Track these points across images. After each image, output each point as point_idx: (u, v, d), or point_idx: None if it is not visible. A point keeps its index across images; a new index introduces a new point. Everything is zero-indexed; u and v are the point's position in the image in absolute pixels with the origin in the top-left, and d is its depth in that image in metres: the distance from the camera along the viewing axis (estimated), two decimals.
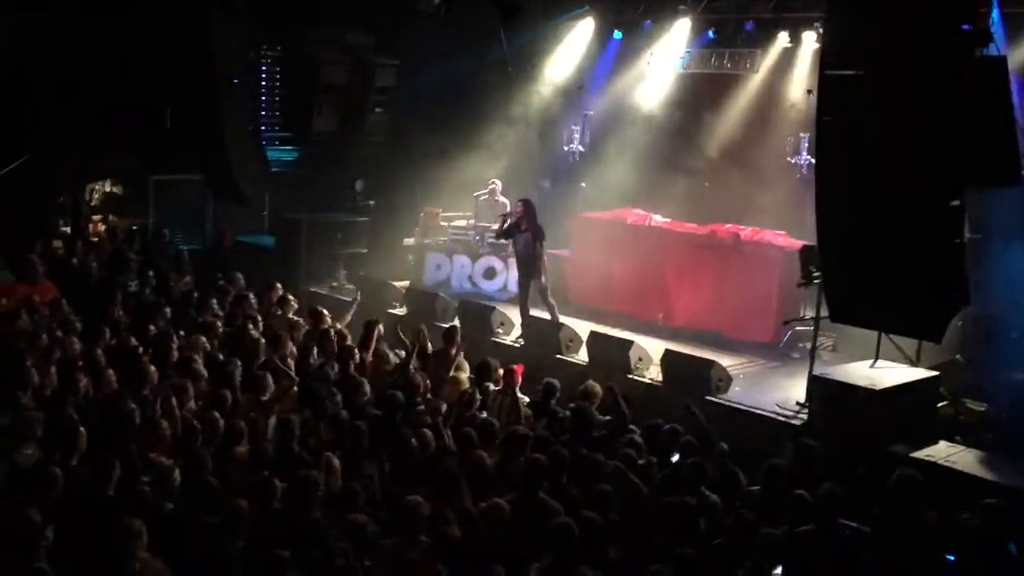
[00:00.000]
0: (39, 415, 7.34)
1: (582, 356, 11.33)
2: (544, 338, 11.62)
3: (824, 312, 9.47)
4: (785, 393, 10.00)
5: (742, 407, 9.73)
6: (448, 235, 14.96)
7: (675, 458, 7.62)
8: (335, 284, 14.68)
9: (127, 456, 6.65)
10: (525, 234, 12.12)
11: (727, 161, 13.97)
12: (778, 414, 9.55)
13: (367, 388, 8.81)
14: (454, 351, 10.06)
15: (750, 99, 13.89)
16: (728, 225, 12.57)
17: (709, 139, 14.22)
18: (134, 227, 15.77)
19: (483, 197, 14.77)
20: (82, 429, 6.99)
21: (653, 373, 10.66)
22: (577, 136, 15.37)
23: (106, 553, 5.52)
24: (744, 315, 12.01)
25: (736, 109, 14.01)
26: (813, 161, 12.09)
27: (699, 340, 11.94)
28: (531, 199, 12.54)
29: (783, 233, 12.14)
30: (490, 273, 14.52)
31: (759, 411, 9.65)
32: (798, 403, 9.61)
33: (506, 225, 12.37)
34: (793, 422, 9.35)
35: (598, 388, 8.89)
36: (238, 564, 5.46)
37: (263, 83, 16.65)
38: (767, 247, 12.02)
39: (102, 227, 16.07)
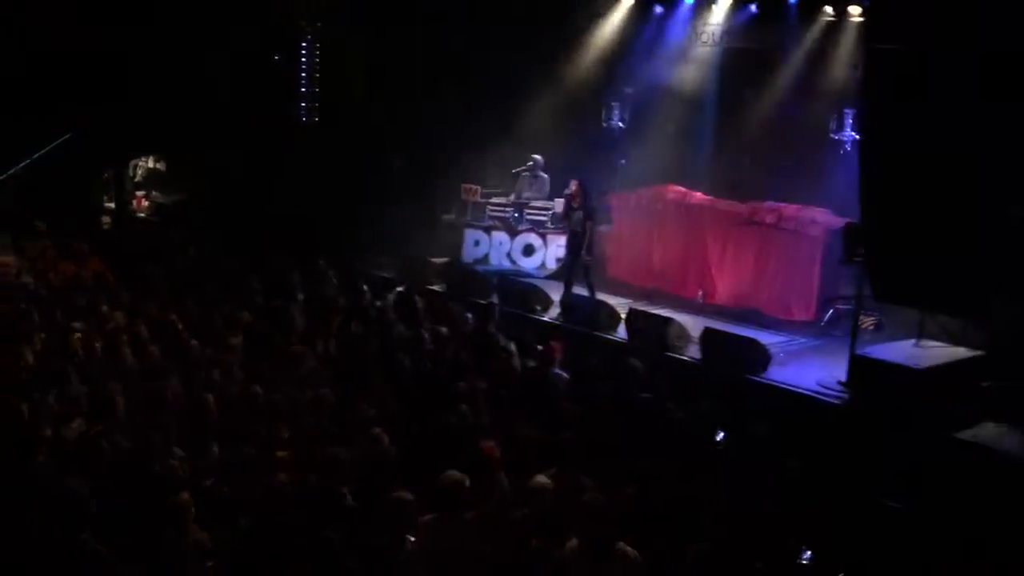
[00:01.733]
0: (84, 388, 7.46)
1: (621, 333, 11.30)
2: (583, 315, 11.60)
3: (867, 290, 9.35)
4: (826, 372, 9.89)
5: (783, 386, 9.65)
6: (487, 212, 14.96)
7: (720, 436, 7.59)
8: (375, 261, 14.73)
9: (168, 429, 6.75)
10: (578, 212, 12.17)
11: (768, 137, 13.78)
12: (819, 393, 9.46)
13: (407, 364, 8.85)
14: (492, 328, 10.08)
15: (793, 74, 13.66)
16: (769, 202, 12.44)
17: (750, 115, 14.02)
18: (176, 202, 15.95)
19: (523, 173, 14.73)
20: (124, 402, 7.11)
21: (692, 351, 10.61)
22: (617, 112, 15.26)
23: (153, 526, 5.60)
24: (785, 293, 11.89)
25: (778, 85, 13.79)
26: (857, 137, 11.97)
27: (739, 318, 11.86)
28: (585, 179, 12.52)
29: (826, 210, 11.98)
30: (529, 250, 14.51)
31: (800, 390, 9.57)
32: (840, 382, 9.50)
33: (565, 206, 12.46)
34: (835, 401, 9.26)
35: (638, 365, 8.86)
36: (279, 540, 5.50)
37: (303, 59, 16.68)
38: (809, 224, 11.87)
39: (145, 203, 16.28)
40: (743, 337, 10.33)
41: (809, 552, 5.97)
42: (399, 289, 11.85)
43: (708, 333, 10.51)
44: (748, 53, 14.19)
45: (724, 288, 12.54)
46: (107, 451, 6.44)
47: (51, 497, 5.88)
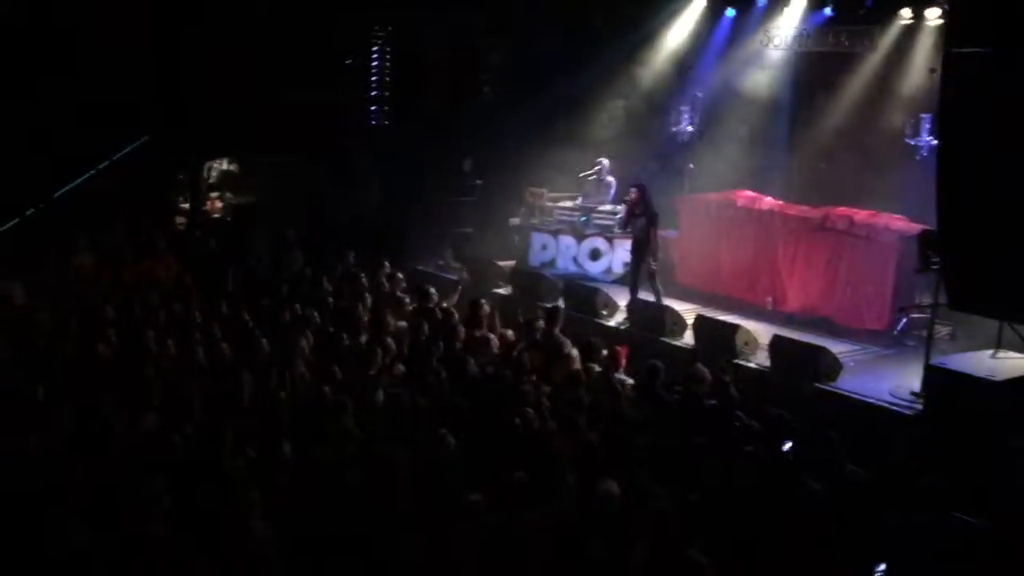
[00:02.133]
0: (158, 384, 7.63)
1: (687, 339, 11.20)
2: (649, 321, 11.53)
3: (942, 299, 9.14)
4: (899, 382, 9.68)
5: (854, 395, 9.48)
6: (554, 215, 14.95)
7: (787, 446, 7.47)
8: (441, 263, 14.83)
9: (240, 427, 6.86)
10: (640, 219, 12.12)
11: (843, 142, 13.57)
12: (892, 403, 9.26)
13: (473, 366, 8.89)
14: (557, 331, 10.07)
15: (868, 78, 13.43)
16: (843, 208, 12.23)
17: (824, 119, 13.81)
18: (248, 204, 16.22)
19: (590, 177, 14.70)
20: (198, 399, 7.25)
21: (760, 358, 10.47)
22: (686, 117, 15.15)
23: (222, 520, 5.70)
24: (857, 301, 11.68)
25: (853, 89, 13.56)
26: (934, 143, 11.70)
27: (809, 326, 11.69)
28: (644, 183, 12.46)
29: (901, 217, 11.74)
30: (595, 254, 14.47)
31: (871, 400, 9.39)
32: (913, 393, 9.30)
33: (626, 213, 12.42)
34: (907, 412, 9.06)
35: (707, 373, 8.78)
36: (344, 538, 5.55)
37: (374, 63, 16.86)
38: (883, 231, 11.64)
39: (219, 204, 16.59)
40: (813, 345, 10.17)
41: (883, 566, 5.85)
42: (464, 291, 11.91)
43: (777, 340, 10.37)
44: (822, 56, 13.99)
45: (794, 295, 12.36)
46: (180, 447, 6.56)
47: (126, 491, 6.05)
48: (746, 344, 10.59)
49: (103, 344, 8.56)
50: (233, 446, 6.60)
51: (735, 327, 10.72)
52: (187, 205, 16.28)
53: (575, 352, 9.60)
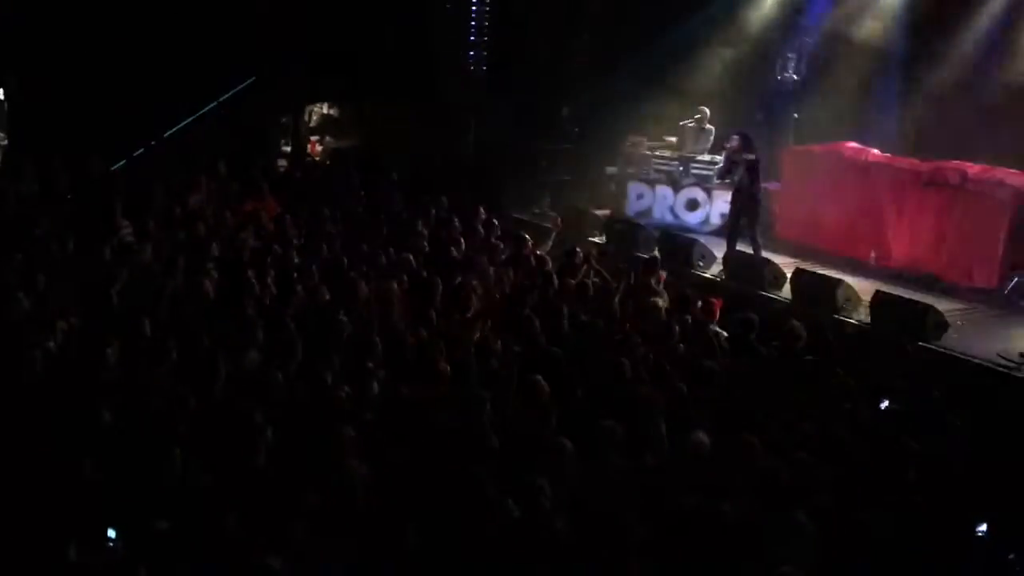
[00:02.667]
0: (260, 322, 7.82)
1: (785, 293, 10.98)
2: (747, 273, 11.34)
3: None
4: (1007, 343, 9.33)
5: (959, 355, 9.18)
6: (651, 164, 14.72)
7: (884, 404, 7.29)
8: (537, 211, 14.78)
9: (335, 366, 7.00)
10: (740, 168, 11.86)
11: (957, 92, 12.99)
12: (999, 364, 8.95)
13: (564, 313, 8.87)
14: (654, 282, 9.98)
15: (988, 23, 12.80)
16: (955, 162, 11.76)
17: (938, 68, 13.24)
18: (347, 148, 16.43)
19: (689, 125, 14.42)
20: (298, 338, 7.42)
21: (861, 314, 10.20)
22: (792, 64, 14.66)
23: (320, 457, 5.84)
24: (966, 258, 11.30)
25: (970, 35, 12.95)
26: None
27: (914, 282, 11.34)
28: (748, 132, 12.17)
29: (1019, 172, 11.24)
30: (692, 204, 14.24)
31: (977, 360, 9.08)
32: (1022, 354, 8.96)
33: (726, 163, 12.18)
34: (1016, 374, 8.75)
35: (802, 331, 8.57)
36: (431, 475, 5.61)
37: (473, 7, 16.75)
38: (997, 186, 11.18)
39: (319, 148, 16.84)
40: (917, 302, 9.87)
41: (985, 525, 5.70)
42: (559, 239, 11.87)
43: (879, 296, 10.08)
44: (939, 2, 13.36)
45: (899, 250, 12.01)
46: (280, 383, 6.73)
47: (231, 423, 6.24)
48: (847, 300, 10.33)
49: (208, 281, 8.78)
50: (332, 385, 6.73)
51: (837, 282, 10.46)
52: (289, 148, 16.58)
53: (669, 303, 9.50)
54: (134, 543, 4.88)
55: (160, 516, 4.94)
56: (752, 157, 11.85)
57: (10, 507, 5.11)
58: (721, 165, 12.59)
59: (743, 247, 11.96)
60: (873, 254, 12.18)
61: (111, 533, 4.97)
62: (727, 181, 12.44)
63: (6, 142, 14.14)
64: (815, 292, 10.51)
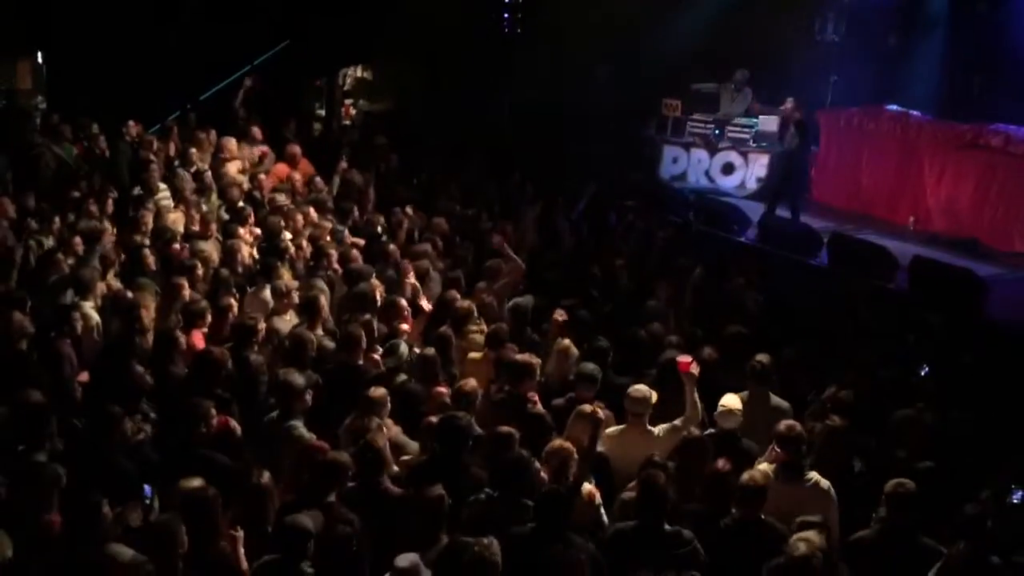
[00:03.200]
0: (294, 284, 7.86)
1: (823, 259, 10.85)
2: (783, 238, 11.21)
3: None
4: None
5: (1001, 321, 9.03)
6: (687, 128, 14.53)
7: (924, 371, 7.21)
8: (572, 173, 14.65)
9: (367, 328, 7.02)
10: (790, 130, 11.73)
11: (1003, 55, 12.65)
12: None
13: (598, 275, 8.84)
14: (685, 248, 9.90)
15: None
16: (997, 124, 11.52)
17: (983, 31, 12.92)
18: (381, 111, 16.40)
19: (727, 87, 14.20)
20: (328, 301, 7.45)
21: (900, 279, 10.06)
22: (831, 25, 14.37)
23: (353, 418, 5.88)
24: (1009, 222, 11.13)
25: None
26: None
27: (954, 247, 11.18)
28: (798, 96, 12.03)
29: None
30: (728, 168, 14.06)
31: (1019, 326, 8.91)
32: None
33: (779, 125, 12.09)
34: None
35: (839, 292, 8.46)
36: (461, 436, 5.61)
37: None
38: None
39: (352, 111, 16.82)
40: (957, 267, 9.72)
41: (1021, 493, 5.64)
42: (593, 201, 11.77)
43: (918, 261, 9.93)
44: None
45: (939, 214, 11.83)
46: (315, 345, 6.77)
47: (269, 385, 6.29)
48: (886, 264, 10.18)
49: (244, 244, 8.82)
50: (366, 348, 6.76)
51: (875, 246, 10.32)
52: (323, 111, 16.58)
53: (702, 269, 9.42)
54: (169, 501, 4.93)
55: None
56: (802, 121, 11.72)
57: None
58: (774, 127, 12.35)
59: (782, 212, 11.82)
60: (912, 218, 12.04)
61: (147, 490, 5.03)
62: (777, 145, 12.30)
63: (44, 105, 14.22)
64: (853, 257, 10.35)
